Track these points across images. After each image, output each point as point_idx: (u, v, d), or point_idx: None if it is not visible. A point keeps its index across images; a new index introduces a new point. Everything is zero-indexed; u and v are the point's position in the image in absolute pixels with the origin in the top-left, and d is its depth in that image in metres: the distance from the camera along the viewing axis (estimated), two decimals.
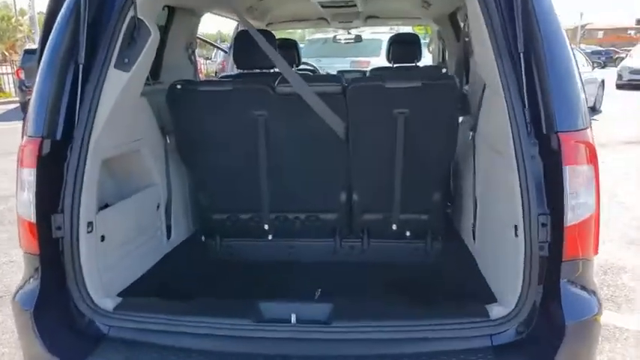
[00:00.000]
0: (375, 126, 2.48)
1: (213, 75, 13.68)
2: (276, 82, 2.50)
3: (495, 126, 2.12)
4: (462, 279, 2.44)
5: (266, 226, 2.68)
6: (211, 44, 6.24)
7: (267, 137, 2.52)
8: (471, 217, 2.58)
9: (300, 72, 4.43)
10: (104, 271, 2.13)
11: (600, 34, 57.87)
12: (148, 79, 2.47)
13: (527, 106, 1.81)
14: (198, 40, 3.99)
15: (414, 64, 4.22)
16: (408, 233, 2.64)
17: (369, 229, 2.81)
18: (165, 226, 2.71)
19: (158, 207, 2.65)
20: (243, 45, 3.19)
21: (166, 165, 2.72)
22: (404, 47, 4.19)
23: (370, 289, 2.53)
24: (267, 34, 3.32)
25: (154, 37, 2.23)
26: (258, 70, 3.39)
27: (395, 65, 4.19)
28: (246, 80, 2.52)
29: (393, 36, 4.30)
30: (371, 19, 5.26)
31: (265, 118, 2.50)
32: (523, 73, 1.82)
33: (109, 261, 2.19)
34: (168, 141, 2.71)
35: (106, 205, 2.43)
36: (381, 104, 2.43)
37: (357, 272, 2.76)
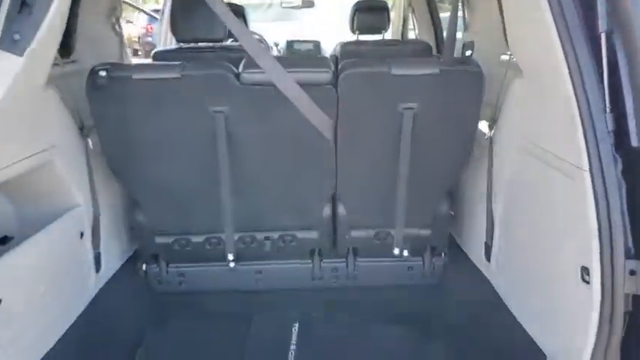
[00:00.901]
0: (373, 124, 1.91)
1: (136, 40, 12.25)
2: (241, 67, 1.85)
3: (545, 129, 1.62)
4: (483, 314, 1.97)
5: (229, 253, 2.06)
6: (137, 8, 5.32)
7: (228, 139, 1.89)
8: (482, 233, 2.10)
9: None
10: (1, 350, 1.47)
11: None
12: (55, 58, 1.75)
13: (608, 109, 1.31)
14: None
15: (382, 36, 3.64)
16: (405, 252, 2.12)
17: (356, 248, 2.27)
18: (92, 256, 2.04)
19: (82, 235, 1.97)
20: (187, 11, 2.49)
21: (90, 176, 2.02)
22: (371, 16, 3.57)
23: (370, 331, 2.02)
24: None
25: (59, 2, 1.51)
26: (204, 45, 2.72)
27: (361, 37, 3.58)
28: (200, 65, 1.85)
29: (358, 2, 3.66)
30: None
31: (225, 115, 1.86)
32: (605, 61, 1.31)
33: (10, 333, 1.52)
34: (91, 145, 2.00)
35: (5, 238, 1.74)
36: (383, 97, 1.85)
37: (347, 302, 2.24)
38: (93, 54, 2.61)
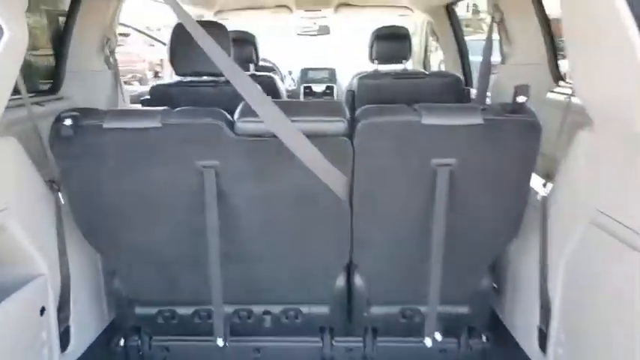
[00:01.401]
0: (398, 183, 1.56)
1: (159, 63, 12.20)
2: (236, 114, 1.52)
3: (628, 201, 1.24)
4: None
5: (218, 336, 1.71)
6: (147, 35, 5.10)
7: (219, 199, 1.55)
8: (534, 314, 1.72)
9: (260, 77, 3.45)
10: None
11: None
12: (15, 91, 1.45)
13: None
14: (124, 33, 2.94)
15: (403, 66, 3.31)
16: (438, 335, 1.73)
17: (375, 326, 1.89)
18: (56, 334, 1.70)
19: (43, 311, 1.64)
20: (182, 43, 2.21)
21: (60, 237, 1.70)
22: (392, 43, 3.26)
23: None
24: (217, 28, 2.35)
25: (10, 39, 1.21)
26: (207, 78, 2.44)
27: (383, 68, 3.25)
28: (186, 111, 1.53)
29: (378, 29, 3.36)
30: (343, 6, 4.31)
31: (217, 171, 1.53)
32: None
33: None
34: (63, 201, 1.69)
35: None
36: (411, 151, 1.50)
37: None
38: (83, 89, 2.34)
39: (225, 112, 1.52)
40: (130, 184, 1.55)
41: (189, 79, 2.51)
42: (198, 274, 1.67)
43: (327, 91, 4.50)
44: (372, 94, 2.83)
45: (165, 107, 1.52)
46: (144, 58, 13.19)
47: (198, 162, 1.51)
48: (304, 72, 4.75)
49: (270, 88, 3.37)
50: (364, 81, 2.80)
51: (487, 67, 2.41)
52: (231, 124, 1.50)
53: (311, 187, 1.52)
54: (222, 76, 2.39)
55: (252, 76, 3.50)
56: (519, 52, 2.36)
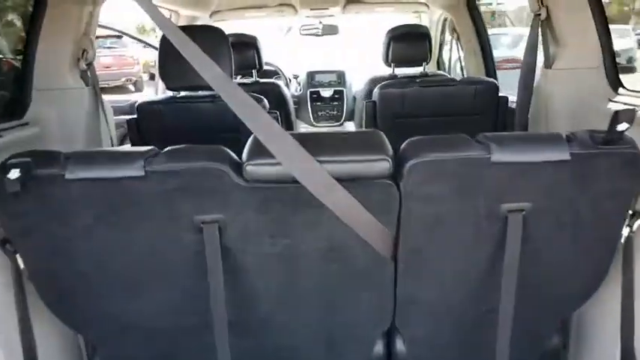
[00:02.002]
0: (458, 235, 1.21)
1: (153, 65, 11.69)
2: (245, 154, 1.16)
3: None
4: None
5: None
6: (137, 39, 4.72)
7: (225, 262, 1.20)
8: None
9: (264, 84, 3.10)
10: None
11: None
12: None
13: None
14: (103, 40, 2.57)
15: (422, 69, 2.96)
16: None
17: None
18: None
19: None
20: (172, 53, 1.85)
21: (22, 310, 1.33)
22: (410, 45, 2.92)
23: None
24: (213, 33, 2.01)
25: None
26: (204, 93, 2.10)
27: (399, 71, 2.90)
28: (177, 153, 1.17)
29: (394, 29, 3.00)
30: (352, 4, 3.94)
31: (221, 227, 1.17)
32: None
33: None
34: (22, 264, 1.32)
35: None
36: (474, 194, 1.15)
37: None
38: (56, 112, 1.99)
39: (230, 152, 1.16)
40: (107, 248, 1.19)
41: (182, 93, 2.17)
42: (202, 347, 1.33)
43: (336, 96, 4.13)
44: (397, 106, 2.48)
45: (150, 147, 1.15)
46: (138, 59, 12.64)
47: (197, 217, 1.15)
48: (310, 75, 4.37)
49: (277, 97, 3.03)
50: (387, 90, 2.44)
51: (530, 72, 2.06)
52: (238, 167, 1.14)
53: (344, 243, 1.18)
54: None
55: (256, 83, 3.15)
56: (568, 54, 2.00)
